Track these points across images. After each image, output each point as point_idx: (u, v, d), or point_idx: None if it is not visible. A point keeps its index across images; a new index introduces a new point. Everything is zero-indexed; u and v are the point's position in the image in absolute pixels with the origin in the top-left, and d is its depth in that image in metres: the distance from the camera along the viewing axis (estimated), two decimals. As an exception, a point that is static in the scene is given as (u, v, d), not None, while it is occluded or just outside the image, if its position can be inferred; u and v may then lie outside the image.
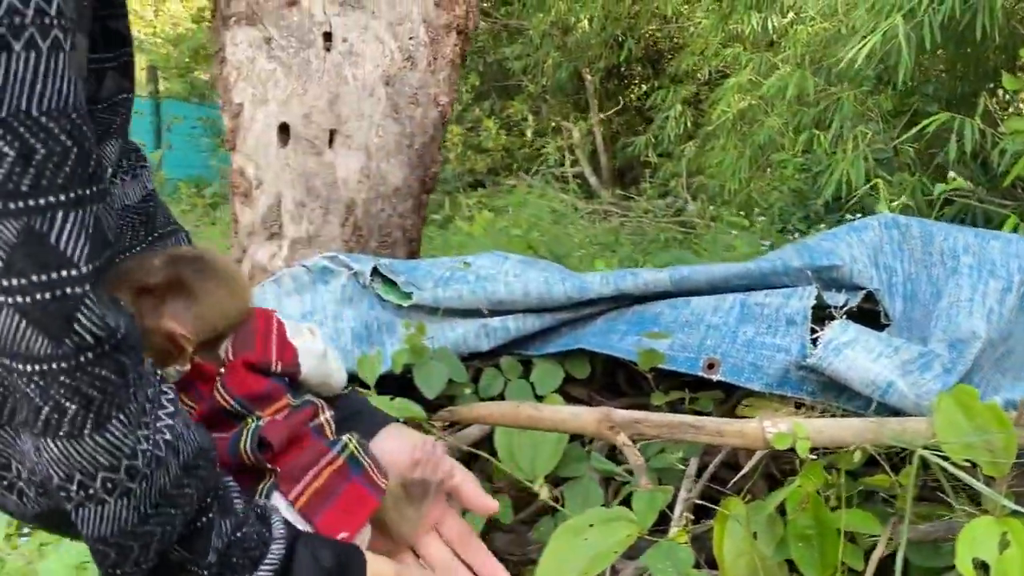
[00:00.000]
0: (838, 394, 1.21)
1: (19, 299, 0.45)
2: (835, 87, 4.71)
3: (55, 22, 0.45)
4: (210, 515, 0.57)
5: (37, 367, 0.47)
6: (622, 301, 1.49)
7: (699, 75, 7.30)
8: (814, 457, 1.12)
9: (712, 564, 1.18)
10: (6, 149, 0.44)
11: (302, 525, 0.64)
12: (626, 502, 1.21)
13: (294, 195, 1.87)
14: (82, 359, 0.48)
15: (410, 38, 1.90)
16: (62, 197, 0.46)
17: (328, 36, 1.88)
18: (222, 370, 0.67)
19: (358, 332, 1.56)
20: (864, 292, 1.31)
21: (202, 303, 0.65)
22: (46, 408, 0.48)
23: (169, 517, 0.54)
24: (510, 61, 9.20)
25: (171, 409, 0.55)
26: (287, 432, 0.66)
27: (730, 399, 1.41)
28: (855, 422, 1.11)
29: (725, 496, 1.24)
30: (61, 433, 0.49)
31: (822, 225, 4.12)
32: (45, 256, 0.45)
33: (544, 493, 1.22)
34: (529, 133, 9.74)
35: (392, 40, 1.89)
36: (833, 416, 1.20)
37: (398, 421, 0.79)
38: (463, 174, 9.34)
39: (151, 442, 0.52)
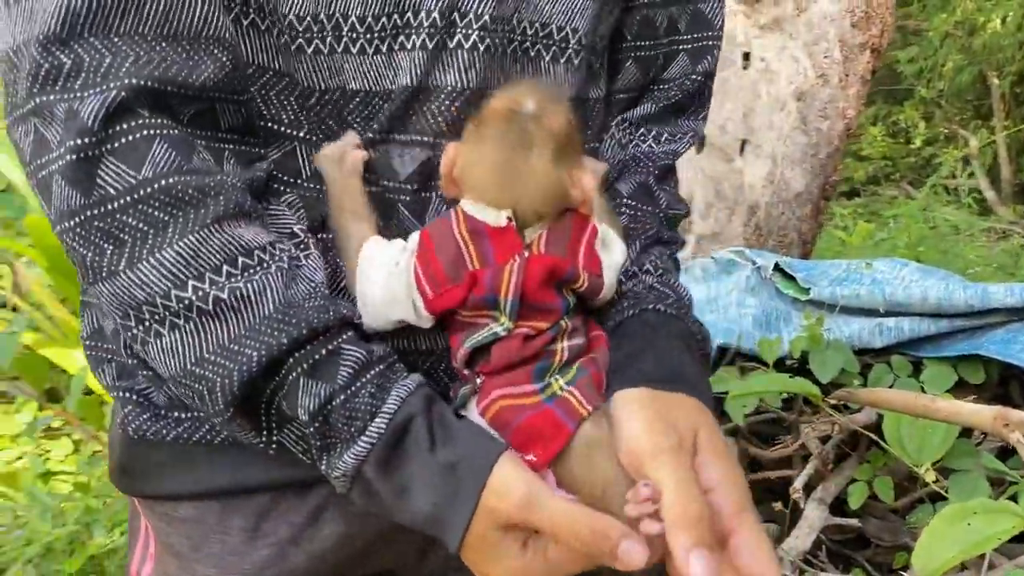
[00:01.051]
0: None
1: (60, 164, 0.54)
2: None
3: None
4: (294, 375, 0.55)
5: (79, 218, 0.54)
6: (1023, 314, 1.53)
7: None
8: None
9: (1104, 575, 1.22)
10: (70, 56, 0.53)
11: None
12: (1012, 502, 1.29)
13: (704, 196, 2.14)
14: (110, 207, 0.54)
15: (824, 57, 2.06)
16: (97, 85, 0.54)
17: (747, 56, 2.12)
18: (525, 253, 0.60)
19: (758, 318, 1.78)
20: None
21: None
22: (89, 254, 0.55)
23: (225, 369, 0.55)
24: (902, 64, 8.68)
25: (253, 272, 0.56)
26: (516, 358, 0.59)
27: None
28: None
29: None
30: (103, 275, 0.55)
31: None
32: (75, 123, 0.54)
33: (930, 477, 1.34)
34: (918, 141, 9.12)
35: (807, 59, 2.07)
36: None
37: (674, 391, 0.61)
38: (838, 182, 9.02)
39: (192, 290, 0.54)
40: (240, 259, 0.56)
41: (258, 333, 0.55)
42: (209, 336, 0.55)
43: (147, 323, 0.55)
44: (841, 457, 1.68)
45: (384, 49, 0.62)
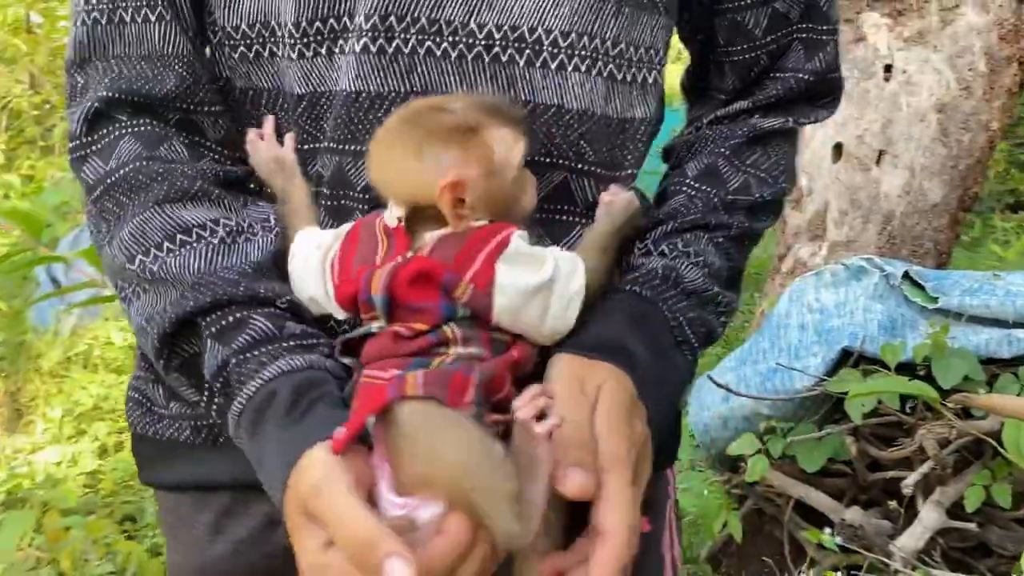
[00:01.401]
0: None
1: (70, 165, 0.68)
2: None
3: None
4: (204, 337, 0.60)
5: (87, 208, 0.67)
6: None
7: None
8: None
9: None
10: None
11: None
12: None
13: (839, 204, 2.20)
14: (95, 194, 0.65)
15: (969, 69, 2.08)
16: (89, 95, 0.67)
17: (888, 68, 2.16)
18: (409, 254, 0.58)
19: (884, 324, 1.83)
20: None
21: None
22: (95, 232, 0.66)
23: (154, 325, 0.62)
24: (1082, 70, 8.09)
25: (188, 248, 0.62)
26: (388, 354, 0.58)
27: None
28: None
29: None
30: (101, 249, 0.66)
31: None
32: (71, 131, 0.66)
33: (1046, 484, 1.37)
34: (1096, 153, 8.46)
35: (950, 71, 2.09)
36: None
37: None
38: (1003, 194, 8.52)
39: (139, 264, 0.63)
40: (179, 236, 0.62)
41: (181, 299, 0.61)
42: (156, 300, 0.62)
43: (130, 286, 0.64)
44: (965, 464, 1.71)
45: (323, 52, 0.63)
